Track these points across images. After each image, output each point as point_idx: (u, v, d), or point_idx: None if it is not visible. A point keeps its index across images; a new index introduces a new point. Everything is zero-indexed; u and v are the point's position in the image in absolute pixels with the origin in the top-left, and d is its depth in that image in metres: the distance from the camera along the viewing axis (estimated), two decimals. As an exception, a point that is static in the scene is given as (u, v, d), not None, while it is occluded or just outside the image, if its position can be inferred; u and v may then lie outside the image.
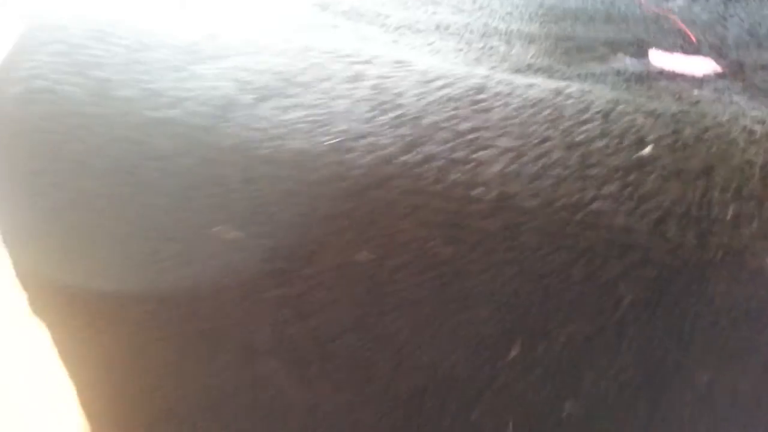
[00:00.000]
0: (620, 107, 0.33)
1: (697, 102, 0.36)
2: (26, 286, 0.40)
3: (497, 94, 0.33)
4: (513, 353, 0.30)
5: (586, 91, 0.34)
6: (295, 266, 0.30)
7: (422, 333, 0.30)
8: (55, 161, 0.32)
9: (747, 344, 0.28)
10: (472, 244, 0.28)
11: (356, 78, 0.32)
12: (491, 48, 0.47)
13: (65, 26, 0.33)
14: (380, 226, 0.29)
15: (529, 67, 0.45)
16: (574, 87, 0.35)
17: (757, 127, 0.32)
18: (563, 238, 0.28)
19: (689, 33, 0.53)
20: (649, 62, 0.48)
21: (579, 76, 0.44)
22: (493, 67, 0.44)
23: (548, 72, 0.45)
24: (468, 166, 0.28)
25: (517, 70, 0.44)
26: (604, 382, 0.30)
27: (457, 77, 0.34)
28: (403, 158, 0.28)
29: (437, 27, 0.49)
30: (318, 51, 0.34)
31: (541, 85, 0.35)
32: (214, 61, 0.32)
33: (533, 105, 0.32)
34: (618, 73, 0.45)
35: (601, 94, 0.34)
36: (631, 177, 0.29)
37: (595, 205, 0.28)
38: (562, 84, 0.36)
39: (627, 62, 0.47)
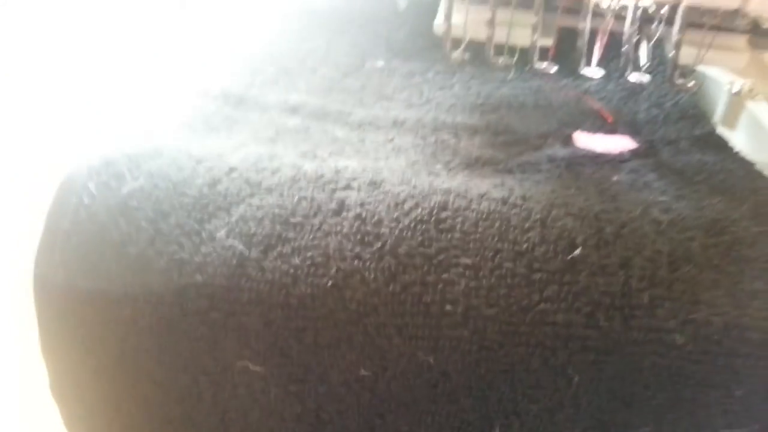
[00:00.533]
0: (554, 212, 0.40)
1: (616, 195, 0.43)
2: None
3: (456, 210, 0.39)
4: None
5: (527, 198, 0.41)
6: (310, 387, 0.36)
7: (420, 427, 0.37)
8: (101, 324, 0.38)
9: (673, 403, 0.35)
10: (450, 350, 0.35)
11: (340, 209, 0.39)
12: (443, 142, 0.54)
13: (89, 205, 0.39)
14: (375, 345, 0.35)
15: (477, 160, 0.52)
16: (517, 192, 0.42)
17: (663, 217, 0.40)
18: (519, 336, 0.35)
19: (605, 113, 0.60)
20: (574, 147, 0.55)
21: (519, 166, 0.50)
22: (447, 162, 0.50)
23: (493, 164, 0.51)
24: (438, 287, 0.35)
25: (468, 164, 0.51)
26: None
27: (423, 195, 0.40)
28: (387, 289, 0.35)
29: (394, 123, 0.55)
30: (304, 180, 0.40)
31: (491, 194, 0.41)
32: (220, 215, 0.38)
33: (486, 218, 0.39)
34: (550, 160, 0.51)
35: (539, 198, 0.41)
36: (566, 278, 0.36)
37: (540, 306, 0.35)
38: (506, 189, 0.42)
39: (557, 149, 0.54)
